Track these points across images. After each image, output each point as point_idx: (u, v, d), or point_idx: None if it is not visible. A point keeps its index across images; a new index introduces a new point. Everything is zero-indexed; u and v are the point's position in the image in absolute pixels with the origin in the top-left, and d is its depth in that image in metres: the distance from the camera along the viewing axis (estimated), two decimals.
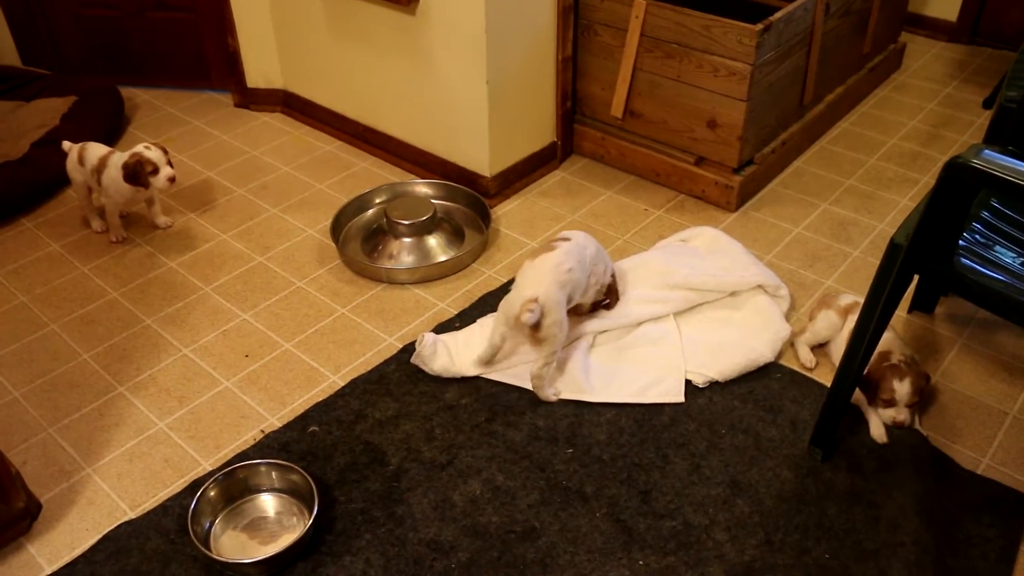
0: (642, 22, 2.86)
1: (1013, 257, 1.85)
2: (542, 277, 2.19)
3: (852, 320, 2.21)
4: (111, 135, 3.39)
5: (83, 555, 1.91)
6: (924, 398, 2.21)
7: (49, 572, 1.88)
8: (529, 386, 2.27)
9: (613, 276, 2.45)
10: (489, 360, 2.33)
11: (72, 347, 2.47)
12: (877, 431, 2.13)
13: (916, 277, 2.19)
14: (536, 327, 2.14)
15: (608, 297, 2.44)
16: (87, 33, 3.69)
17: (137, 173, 2.68)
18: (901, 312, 2.54)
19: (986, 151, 1.58)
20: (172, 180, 2.72)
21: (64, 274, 2.74)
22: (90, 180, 2.80)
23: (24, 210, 3.02)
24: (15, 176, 2.99)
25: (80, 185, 2.85)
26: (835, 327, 2.33)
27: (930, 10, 4.13)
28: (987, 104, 3.59)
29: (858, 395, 2.18)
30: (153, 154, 2.69)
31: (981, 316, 2.53)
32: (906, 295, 2.18)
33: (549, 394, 2.25)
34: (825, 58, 3.16)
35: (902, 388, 2.09)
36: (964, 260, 1.81)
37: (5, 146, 3.19)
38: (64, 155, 2.85)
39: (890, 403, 2.12)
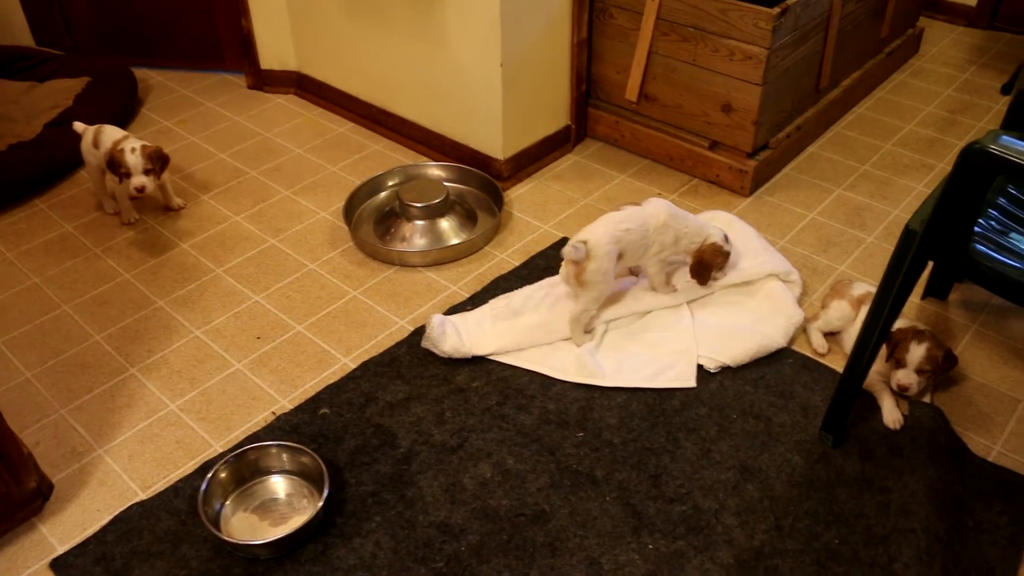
0: (658, 5, 2.84)
1: None
2: (597, 226, 2.29)
3: (865, 311, 2.19)
4: (125, 116, 3.39)
5: (94, 535, 1.92)
6: (940, 375, 2.20)
7: (60, 552, 1.89)
8: (541, 370, 2.28)
9: (715, 245, 2.42)
10: (589, 329, 2.39)
11: (84, 328, 2.47)
12: (890, 417, 2.12)
13: (930, 263, 2.19)
14: (579, 267, 2.22)
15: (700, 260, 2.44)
16: (100, 13, 3.69)
17: (113, 167, 2.69)
18: (915, 298, 2.52)
19: (1004, 137, 1.57)
20: (140, 190, 2.68)
21: (76, 255, 2.75)
22: (103, 163, 2.80)
23: (37, 191, 3.03)
24: (29, 157, 2.99)
25: (94, 167, 2.85)
26: (847, 318, 2.31)
27: None
28: (1005, 90, 3.56)
29: (870, 380, 2.17)
30: (131, 159, 2.65)
31: (995, 303, 2.51)
32: (920, 281, 2.17)
33: (583, 339, 2.34)
34: (842, 42, 3.13)
35: (917, 351, 2.09)
36: (979, 247, 1.80)
37: (19, 127, 3.20)
38: (77, 136, 2.86)
39: (901, 364, 2.12)
